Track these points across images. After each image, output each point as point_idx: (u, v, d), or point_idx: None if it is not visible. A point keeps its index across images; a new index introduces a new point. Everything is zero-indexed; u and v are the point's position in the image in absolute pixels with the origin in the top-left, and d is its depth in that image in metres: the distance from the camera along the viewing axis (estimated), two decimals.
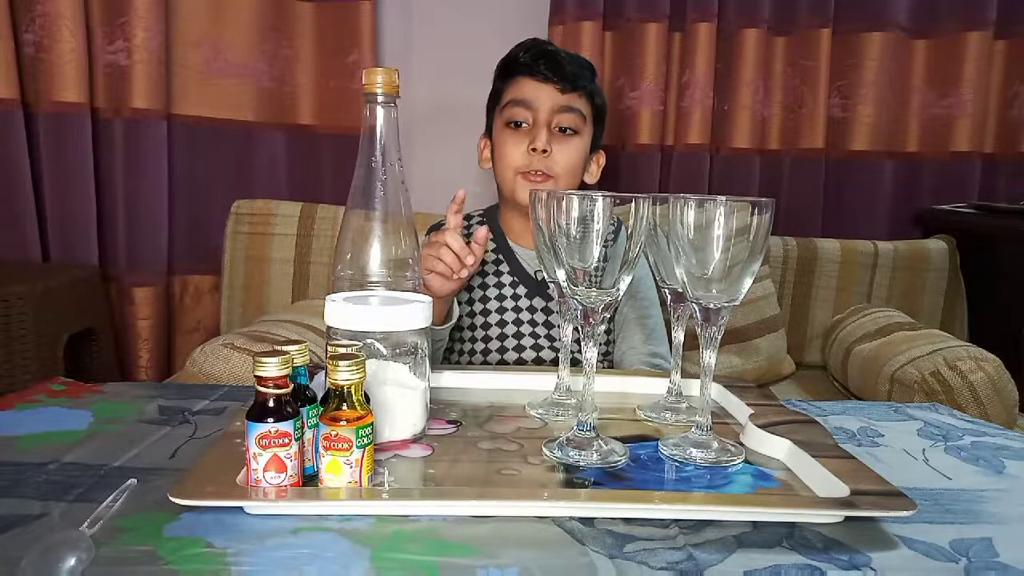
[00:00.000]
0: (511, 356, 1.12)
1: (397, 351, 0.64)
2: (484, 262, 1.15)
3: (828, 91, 1.85)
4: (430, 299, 0.67)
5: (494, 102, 1.20)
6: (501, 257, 1.18)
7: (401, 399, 0.64)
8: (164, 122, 1.65)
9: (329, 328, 0.64)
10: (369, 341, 0.63)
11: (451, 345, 1.16)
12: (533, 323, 1.13)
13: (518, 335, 1.13)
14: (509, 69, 1.17)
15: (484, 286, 1.15)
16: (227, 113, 1.73)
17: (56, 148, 1.58)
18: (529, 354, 1.12)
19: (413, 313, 0.63)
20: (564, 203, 0.58)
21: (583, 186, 1.21)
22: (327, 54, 1.75)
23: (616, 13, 1.80)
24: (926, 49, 1.89)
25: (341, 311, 0.62)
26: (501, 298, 1.15)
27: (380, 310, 0.63)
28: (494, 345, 1.13)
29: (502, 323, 1.13)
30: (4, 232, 1.56)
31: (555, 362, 1.04)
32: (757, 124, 1.85)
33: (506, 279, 1.16)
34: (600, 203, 0.57)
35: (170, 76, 1.65)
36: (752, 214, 0.58)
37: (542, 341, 1.13)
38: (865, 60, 1.85)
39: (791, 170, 1.90)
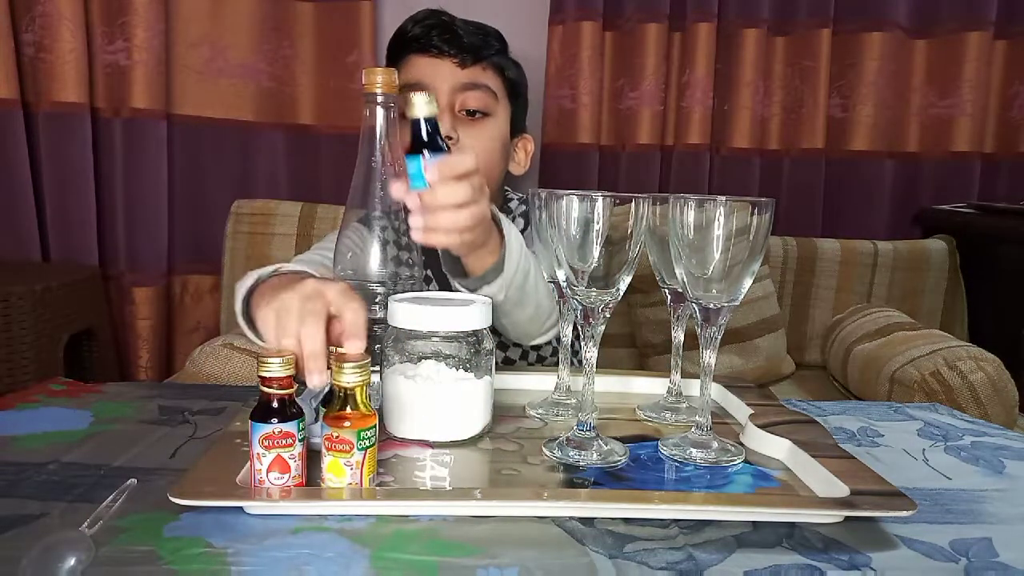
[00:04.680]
0: None
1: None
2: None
3: (828, 91, 1.85)
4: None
5: None
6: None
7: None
8: (164, 122, 1.65)
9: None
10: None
11: None
12: None
13: None
14: (399, 47, 0.98)
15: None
16: (227, 113, 1.73)
17: (56, 148, 1.58)
18: None
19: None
20: (564, 203, 0.58)
21: (509, 177, 1.03)
22: (327, 54, 1.75)
23: (616, 13, 1.80)
24: (926, 49, 1.89)
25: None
26: None
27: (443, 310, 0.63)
28: None
29: None
30: (4, 232, 1.56)
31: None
32: (757, 124, 1.85)
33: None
34: (600, 203, 0.57)
35: (170, 76, 1.66)
36: (752, 214, 0.58)
37: None
38: (865, 60, 1.85)
39: (791, 170, 1.90)
